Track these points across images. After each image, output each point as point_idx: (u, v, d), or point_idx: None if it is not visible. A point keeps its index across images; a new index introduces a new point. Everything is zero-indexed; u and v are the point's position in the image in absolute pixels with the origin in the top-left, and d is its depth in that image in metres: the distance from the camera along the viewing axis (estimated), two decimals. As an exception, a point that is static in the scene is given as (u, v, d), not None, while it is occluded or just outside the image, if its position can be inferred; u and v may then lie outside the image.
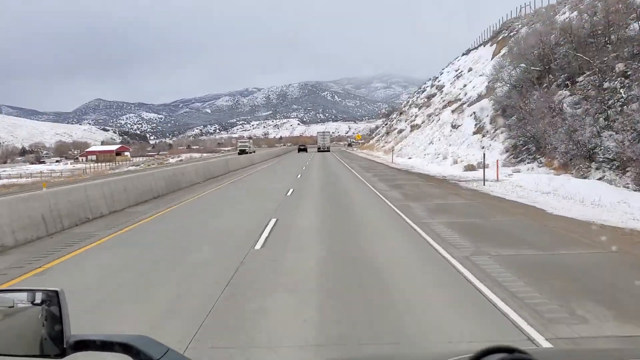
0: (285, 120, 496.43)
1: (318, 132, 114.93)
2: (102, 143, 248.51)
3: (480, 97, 38.04)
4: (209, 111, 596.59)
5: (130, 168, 73.28)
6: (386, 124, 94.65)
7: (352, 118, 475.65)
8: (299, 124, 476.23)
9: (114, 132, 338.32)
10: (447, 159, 32.66)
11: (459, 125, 37.55)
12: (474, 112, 36.52)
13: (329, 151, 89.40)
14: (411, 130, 59.33)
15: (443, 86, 66.69)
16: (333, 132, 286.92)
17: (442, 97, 61.59)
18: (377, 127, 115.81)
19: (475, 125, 34.33)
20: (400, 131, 64.87)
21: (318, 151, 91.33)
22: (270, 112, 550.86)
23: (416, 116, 65.05)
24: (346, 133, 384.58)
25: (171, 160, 77.30)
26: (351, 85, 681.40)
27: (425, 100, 68.42)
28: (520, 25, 48.03)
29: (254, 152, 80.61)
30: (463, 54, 76.76)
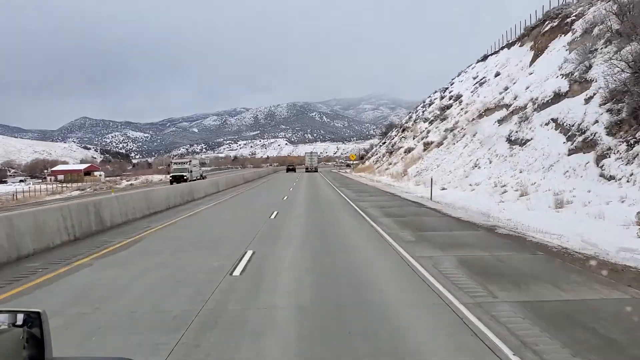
0: (272, 140, 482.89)
1: (306, 153, 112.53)
2: (81, 162, 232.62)
3: (558, 97, 24.02)
4: (196, 130, 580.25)
5: (74, 193, 58.32)
6: (384, 142, 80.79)
7: (341, 139, 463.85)
8: (286, 144, 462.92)
9: (95, 151, 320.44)
10: (530, 195, 18.40)
11: (527, 140, 23.47)
12: (553, 119, 22.49)
13: (316, 171, 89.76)
14: (425, 149, 45.38)
15: (461, 96, 53.14)
16: (321, 153, 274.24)
17: (463, 108, 47.97)
18: (372, 147, 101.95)
19: (568, 138, 20.21)
20: (409, 150, 50.87)
21: (306, 171, 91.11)
22: (258, 132, 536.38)
23: (428, 132, 51.22)
24: (334, 153, 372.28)
25: (124, 184, 62.21)
26: (339, 106, 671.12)
27: (438, 112, 54.71)
28: (580, 8, 34.57)
29: (203, 177, 57.57)
30: (478, 61, 63.84)
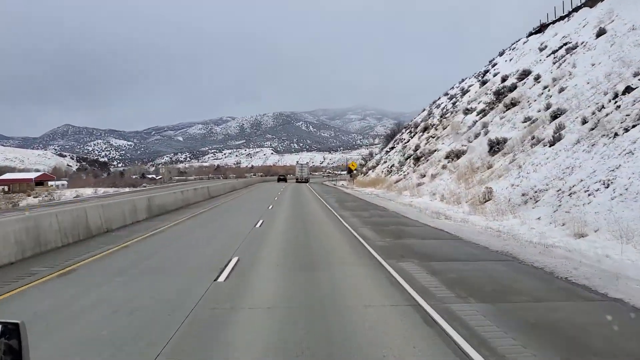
0: (258, 150, 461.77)
1: (297, 163, 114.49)
2: (54, 169, 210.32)
3: None
4: (181, 139, 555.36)
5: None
6: (392, 147, 61.23)
7: (327, 148, 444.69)
8: (272, 153, 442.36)
9: (72, 159, 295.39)
10: None
11: None
12: None
13: (307, 182, 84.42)
14: (493, 152, 25.86)
15: (530, 72, 33.87)
16: (307, 162, 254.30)
17: (547, 86, 28.66)
18: (372, 155, 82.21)
19: None
20: (457, 155, 31.19)
21: (297, 181, 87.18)
22: (244, 141, 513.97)
23: (484, 125, 31.70)
24: (321, 163, 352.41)
25: (28, 201, 41.46)
26: (326, 116, 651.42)
27: (494, 98, 35.27)
28: None
29: None
30: (531, 33, 45.18)
